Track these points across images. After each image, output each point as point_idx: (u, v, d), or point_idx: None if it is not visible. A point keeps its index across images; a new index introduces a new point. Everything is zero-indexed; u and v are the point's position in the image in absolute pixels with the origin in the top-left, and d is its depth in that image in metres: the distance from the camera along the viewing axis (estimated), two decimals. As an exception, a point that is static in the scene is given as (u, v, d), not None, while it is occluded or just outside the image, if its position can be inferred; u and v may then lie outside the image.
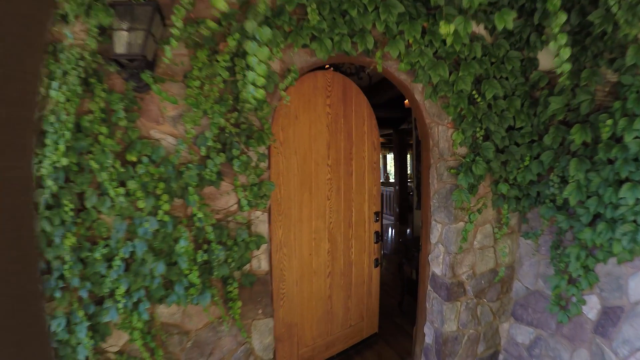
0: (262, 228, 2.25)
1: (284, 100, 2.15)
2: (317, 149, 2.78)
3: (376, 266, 3.24)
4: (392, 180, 15.14)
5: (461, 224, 2.73)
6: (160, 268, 1.97)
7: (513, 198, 2.79)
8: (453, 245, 2.70)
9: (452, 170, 2.68)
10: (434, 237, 2.86)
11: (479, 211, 2.74)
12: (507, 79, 2.61)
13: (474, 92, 2.52)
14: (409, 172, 10.04)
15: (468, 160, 2.62)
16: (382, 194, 10.12)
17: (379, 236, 3.22)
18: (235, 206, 2.18)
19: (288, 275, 2.71)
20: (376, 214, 3.21)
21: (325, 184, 2.85)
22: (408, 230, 9.28)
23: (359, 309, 3.19)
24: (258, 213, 2.23)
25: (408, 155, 10.02)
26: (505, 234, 2.91)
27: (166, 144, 2.10)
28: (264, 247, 2.27)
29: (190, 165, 1.98)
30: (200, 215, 1.99)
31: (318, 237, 2.84)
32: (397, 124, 9.67)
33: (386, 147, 16.07)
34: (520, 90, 2.64)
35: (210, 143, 1.98)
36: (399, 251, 7.12)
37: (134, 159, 1.99)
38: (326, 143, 2.83)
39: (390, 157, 17.23)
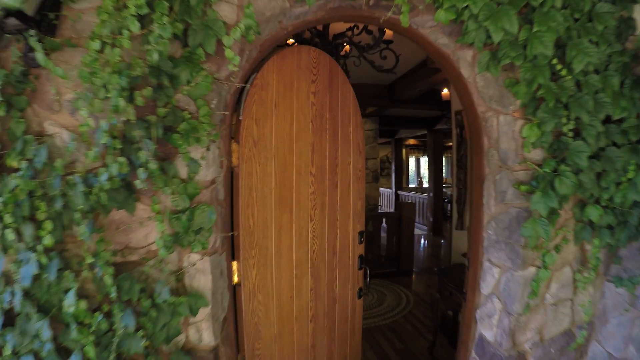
0: (201, 282, 1.43)
1: (230, 65, 1.31)
2: (300, 151, 1.95)
3: (359, 297, 2.50)
4: (425, 185, 14.21)
5: (531, 269, 1.77)
6: (46, 332, 1.32)
7: (605, 227, 1.81)
8: (517, 302, 1.76)
9: (521, 187, 1.72)
10: (487, 285, 1.92)
11: (557, 249, 1.76)
12: (597, 44, 1.65)
13: (554, 60, 1.58)
14: (444, 176, 9.08)
15: (547, 170, 1.64)
16: (414, 202, 9.29)
17: (363, 261, 2.48)
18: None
19: (265, 331, 1.90)
20: (360, 234, 2.45)
21: (309, 200, 2.03)
22: (442, 242, 8.32)
23: (343, 351, 2.49)
24: (195, 257, 1.41)
25: (443, 158, 9.10)
26: (591, 280, 1.93)
27: (61, 142, 1.37)
28: (204, 312, 1.44)
29: (70, 177, 1.21)
30: (90, 259, 1.21)
31: (300, 273, 2.04)
32: (431, 123, 8.95)
33: (420, 149, 15.18)
34: (617, 62, 1.68)
35: (104, 140, 1.19)
36: (431, 271, 6.20)
37: (14, 164, 1.34)
38: (310, 144, 2.00)
39: (424, 160, 16.34)
